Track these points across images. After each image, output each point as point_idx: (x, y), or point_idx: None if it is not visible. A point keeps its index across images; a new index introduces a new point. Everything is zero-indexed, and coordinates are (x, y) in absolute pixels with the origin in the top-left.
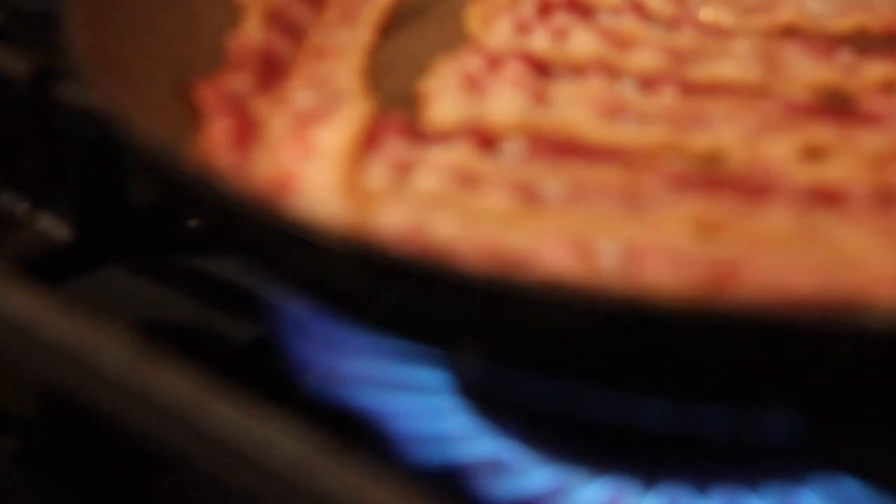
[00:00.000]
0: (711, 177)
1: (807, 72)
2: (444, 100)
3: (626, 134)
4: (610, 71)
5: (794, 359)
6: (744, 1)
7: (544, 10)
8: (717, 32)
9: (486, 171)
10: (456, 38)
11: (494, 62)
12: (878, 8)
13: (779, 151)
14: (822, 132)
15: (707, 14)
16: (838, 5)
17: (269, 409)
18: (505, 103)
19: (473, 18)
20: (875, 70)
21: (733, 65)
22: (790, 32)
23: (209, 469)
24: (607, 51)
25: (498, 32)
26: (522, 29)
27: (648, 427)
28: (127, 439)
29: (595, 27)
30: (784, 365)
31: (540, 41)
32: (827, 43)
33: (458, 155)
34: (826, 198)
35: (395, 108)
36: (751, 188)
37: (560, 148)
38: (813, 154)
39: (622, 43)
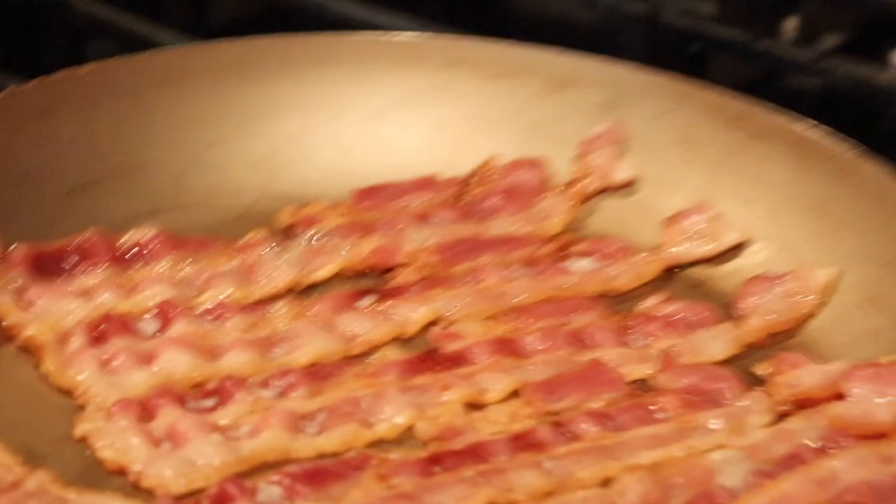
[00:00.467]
0: (436, 456)
1: (374, 331)
2: (153, 468)
3: (323, 439)
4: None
5: None
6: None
7: (98, 339)
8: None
9: None
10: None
11: (147, 411)
12: (358, 248)
13: (452, 410)
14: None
15: (215, 296)
16: (314, 258)
17: None
18: (208, 452)
19: (51, 368)
20: (418, 316)
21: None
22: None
23: None
24: (200, 363)
25: (88, 375)
26: (105, 363)
27: None
28: None
29: (172, 342)
30: None
31: (137, 374)
32: (348, 296)
33: None
34: (526, 443)
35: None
36: (473, 457)
37: (309, 477)
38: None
39: (210, 351)
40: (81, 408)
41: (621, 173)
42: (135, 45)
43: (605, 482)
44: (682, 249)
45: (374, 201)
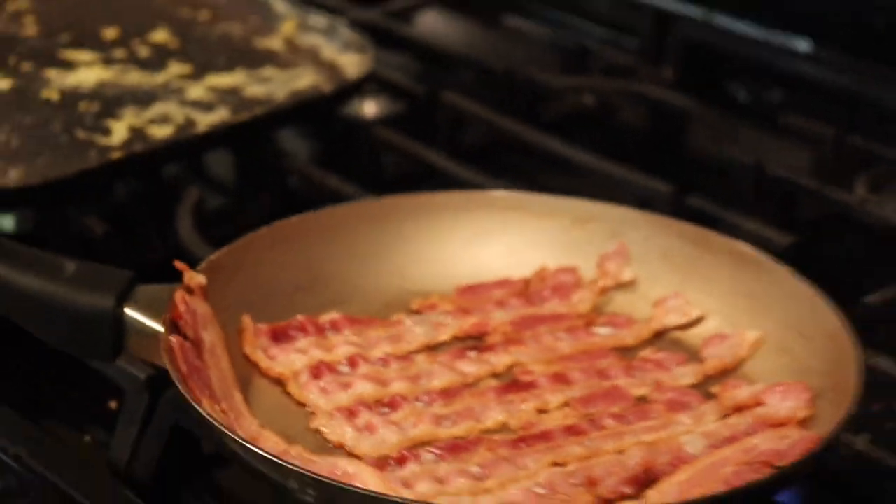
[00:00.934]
0: (522, 438)
1: (479, 370)
2: (359, 444)
3: (455, 429)
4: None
5: None
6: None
7: (316, 376)
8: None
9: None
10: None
11: (352, 414)
12: (463, 323)
13: (529, 413)
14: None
15: (381, 351)
16: (436, 328)
17: None
18: (390, 436)
19: (293, 391)
20: (504, 361)
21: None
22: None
23: None
24: (379, 388)
25: (314, 395)
26: (322, 390)
27: None
28: None
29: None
30: None
31: (342, 395)
32: (460, 350)
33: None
34: (574, 431)
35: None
36: (543, 439)
37: (449, 449)
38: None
39: (383, 382)
40: (313, 413)
41: (626, 276)
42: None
43: (621, 452)
44: (665, 321)
45: (470, 295)
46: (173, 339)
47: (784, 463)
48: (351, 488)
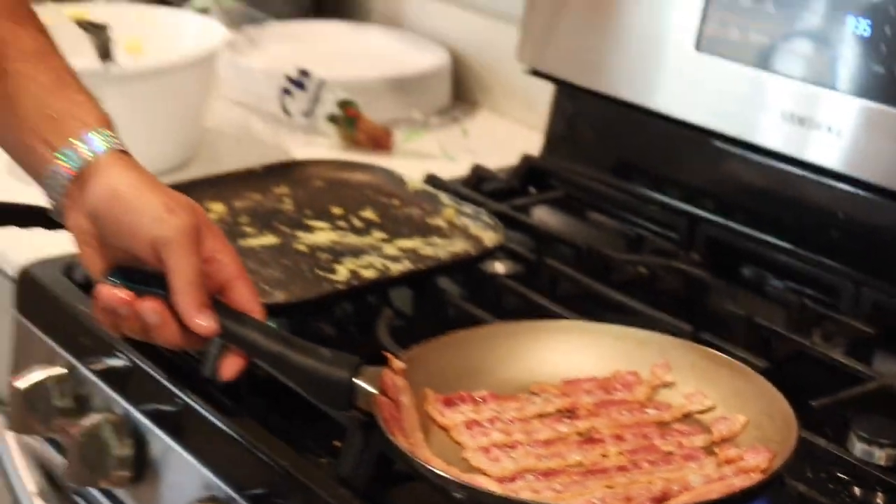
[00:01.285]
0: (590, 471)
1: (568, 429)
2: (492, 468)
3: (551, 462)
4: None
5: None
6: None
7: (468, 427)
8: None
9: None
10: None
11: (491, 452)
12: (562, 402)
13: (597, 456)
14: None
15: (510, 415)
16: (546, 404)
17: None
18: (510, 464)
19: (455, 437)
20: (585, 426)
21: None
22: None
23: None
24: (508, 437)
25: (467, 439)
26: (472, 435)
27: None
28: None
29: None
30: None
31: (484, 439)
32: (558, 417)
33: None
34: (622, 468)
35: None
36: (604, 472)
37: (545, 474)
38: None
39: (510, 434)
40: (464, 448)
41: (668, 378)
42: (524, 302)
43: (650, 482)
44: (690, 408)
45: (569, 385)
46: (381, 398)
47: None
48: (482, 490)
